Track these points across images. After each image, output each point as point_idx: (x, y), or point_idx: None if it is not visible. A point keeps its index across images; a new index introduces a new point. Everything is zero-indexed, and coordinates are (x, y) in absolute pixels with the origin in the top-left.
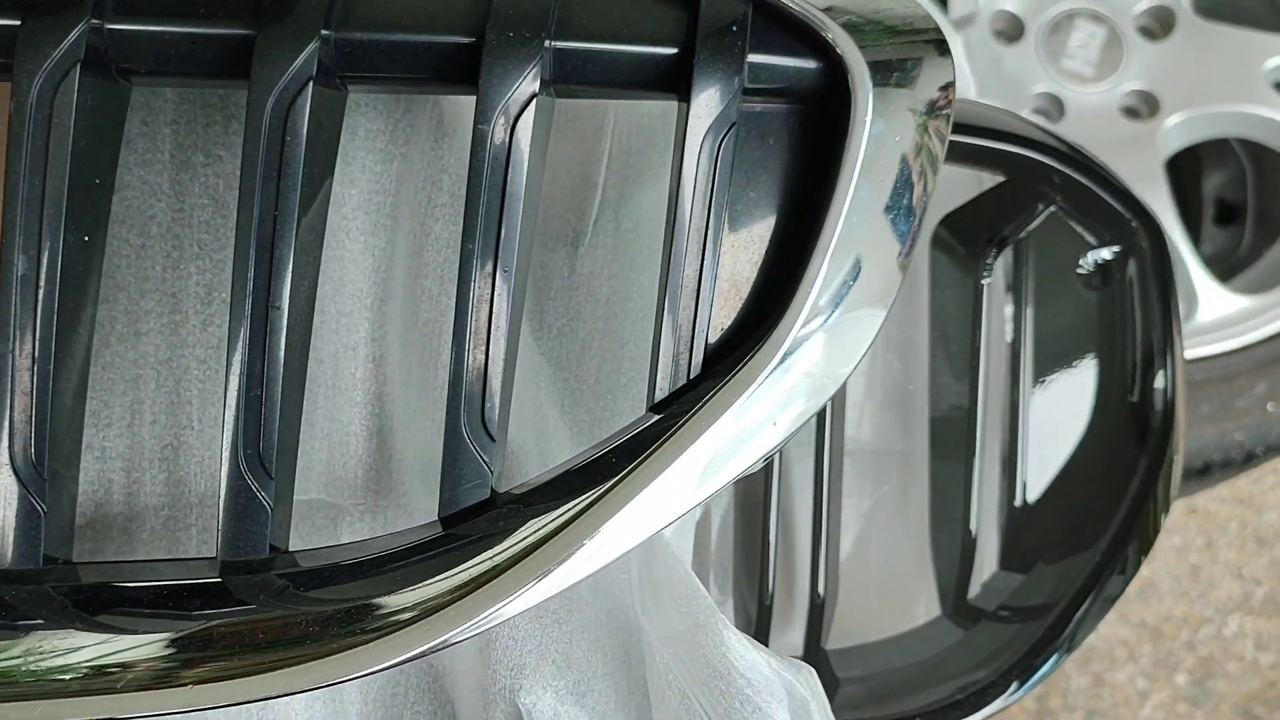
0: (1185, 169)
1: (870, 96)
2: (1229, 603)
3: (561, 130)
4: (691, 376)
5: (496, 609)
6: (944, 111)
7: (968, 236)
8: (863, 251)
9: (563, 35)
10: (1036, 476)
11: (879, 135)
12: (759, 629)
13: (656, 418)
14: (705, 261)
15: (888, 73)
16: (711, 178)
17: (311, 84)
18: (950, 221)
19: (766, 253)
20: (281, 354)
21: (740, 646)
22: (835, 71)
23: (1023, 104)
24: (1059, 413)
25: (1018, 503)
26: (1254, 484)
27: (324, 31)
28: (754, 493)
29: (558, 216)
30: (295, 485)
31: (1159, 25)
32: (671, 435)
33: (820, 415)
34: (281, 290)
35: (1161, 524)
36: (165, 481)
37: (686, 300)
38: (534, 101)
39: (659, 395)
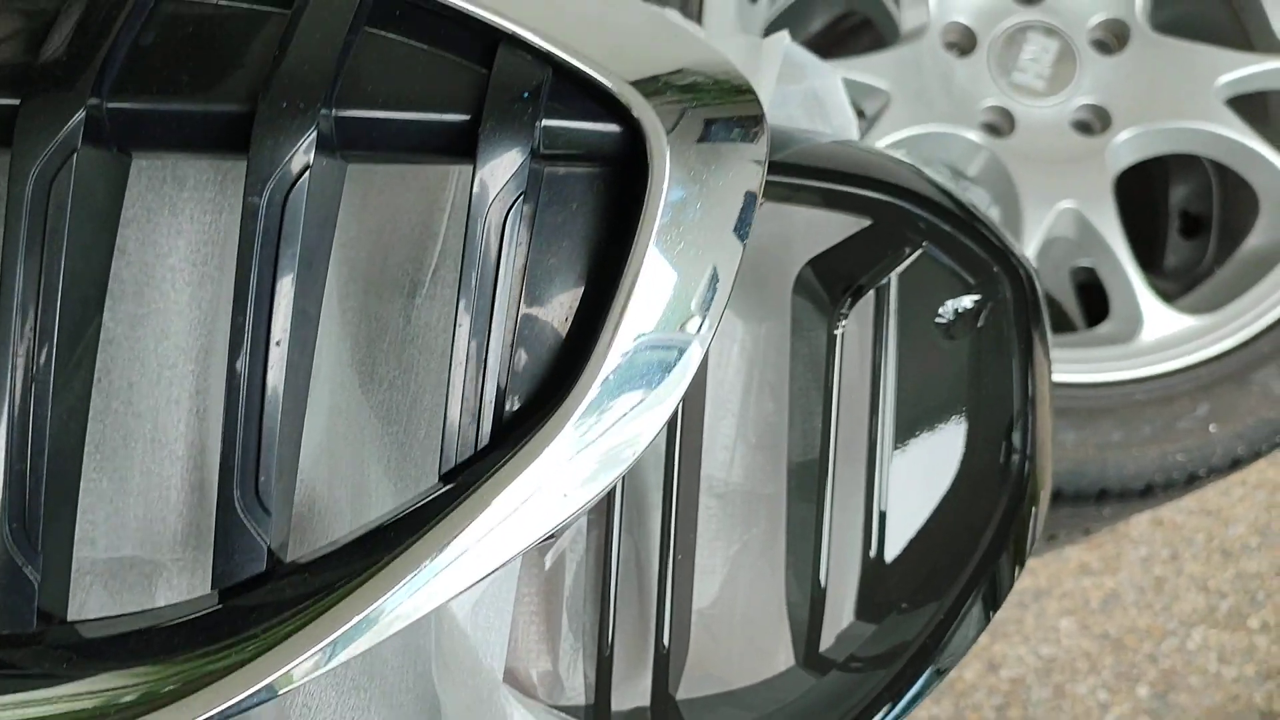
0: (1155, 179)
1: (667, 160)
2: (1193, 615)
3: (404, 178)
4: (480, 447)
5: (265, 683)
6: (754, 174)
7: (829, 282)
8: (662, 320)
9: (346, 103)
10: (898, 527)
11: (679, 201)
12: (599, 680)
13: (445, 487)
14: (493, 332)
15: (691, 134)
16: (498, 248)
17: (76, 154)
18: (816, 265)
19: (568, 320)
20: (47, 426)
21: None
22: (636, 134)
23: (973, 117)
24: (922, 465)
25: (873, 553)
26: (1222, 495)
27: (92, 100)
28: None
29: (395, 266)
30: (109, 544)
31: (1114, 39)
32: (454, 507)
33: (669, 464)
34: (49, 363)
35: (1016, 576)
36: None
37: (473, 371)
38: (307, 173)
39: (447, 465)
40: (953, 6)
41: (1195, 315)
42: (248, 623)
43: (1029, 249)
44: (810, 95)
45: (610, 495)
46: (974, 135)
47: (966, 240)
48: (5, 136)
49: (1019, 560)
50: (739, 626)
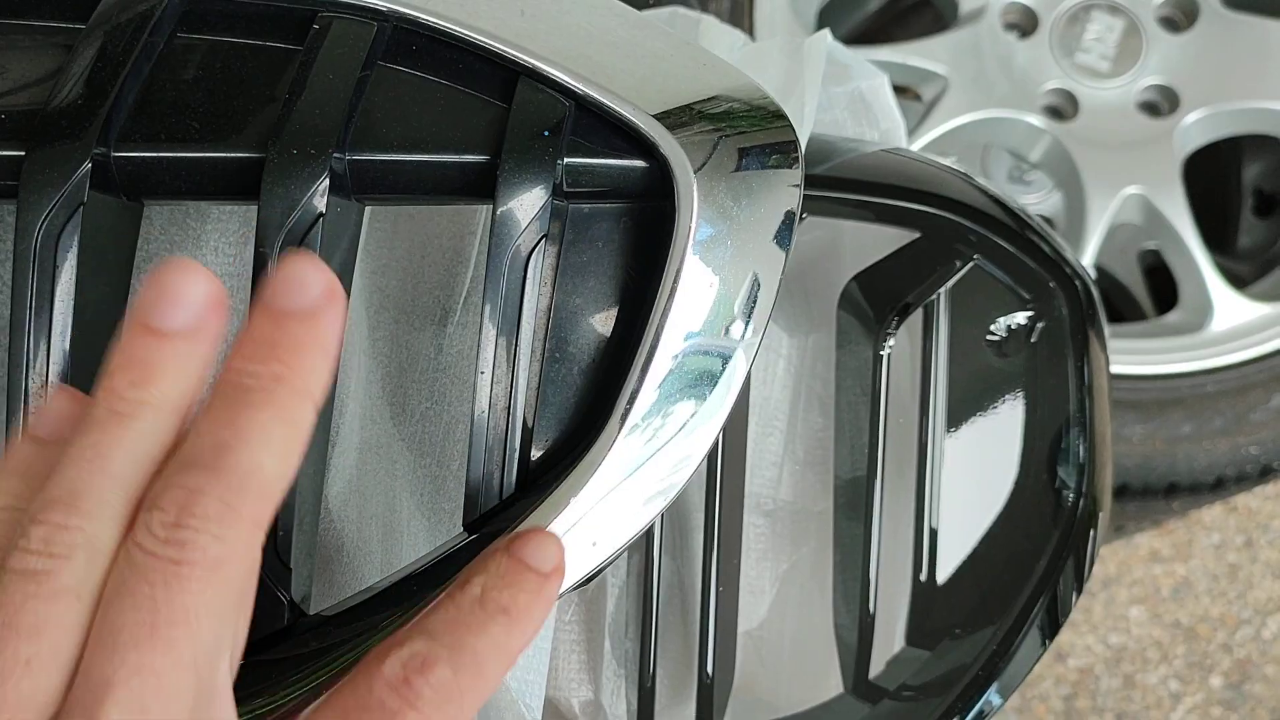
0: (1227, 156)
1: (695, 195)
2: (1269, 604)
3: None
4: (505, 495)
5: None
6: (788, 202)
7: (875, 299)
8: (689, 363)
9: (360, 146)
10: (950, 550)
11: (708, 238)
12: (642, 710)
13: (470, 537)
14: (517, 378)
15: (720, 166)
16: (520, 290)
17: (84, 205)
18: (861, 280)
19: (593, 362)
20: None
21: None
22: (664, 169)
23: (1035, 101)
24: (974, 485)
25: (924, 577)
26: None
27: (98, 150)
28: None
29: (426, 293)
30: None
31: (1182, 15)
32: None
33: (711, 486)
34: None
35: (1072, 604)
36: None
37: (495, 419)
38: (320, 221)
39: (471, 515)
40: None
41: (1268, 303)
42: (270, 678)
43: (1094, 237)
44: (856, 97)
45: None
46: (1035, 119)
47: (1019, 253)
48: (12, 189)
49: (1078, 584)
50: (788, 649)
